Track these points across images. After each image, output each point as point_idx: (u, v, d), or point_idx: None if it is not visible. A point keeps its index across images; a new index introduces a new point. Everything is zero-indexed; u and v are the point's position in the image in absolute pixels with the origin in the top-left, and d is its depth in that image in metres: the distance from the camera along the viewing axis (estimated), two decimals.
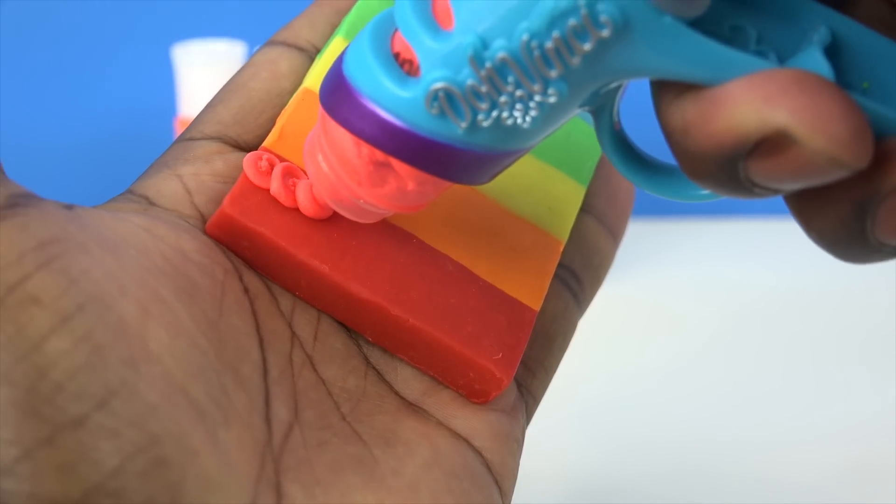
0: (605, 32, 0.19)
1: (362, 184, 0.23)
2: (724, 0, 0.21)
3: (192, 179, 0.25)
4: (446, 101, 0.21)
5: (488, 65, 0.20)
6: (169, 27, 0.65)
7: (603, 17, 0.19)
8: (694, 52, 0.20)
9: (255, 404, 0.22)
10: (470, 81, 0.21)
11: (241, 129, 0.27)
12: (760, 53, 0.21)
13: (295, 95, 0.27)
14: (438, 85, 0.21)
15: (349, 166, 0.23)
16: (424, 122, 0.21)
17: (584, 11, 0.19)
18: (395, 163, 0.22)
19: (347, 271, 0.25)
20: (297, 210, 0.25)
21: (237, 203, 0.25)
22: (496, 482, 0.25)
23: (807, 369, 0.58)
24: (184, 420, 0.20)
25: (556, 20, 0.19)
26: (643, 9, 0.19)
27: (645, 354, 0.58)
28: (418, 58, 0.21)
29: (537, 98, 0.21)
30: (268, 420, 0.22)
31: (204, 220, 0.25)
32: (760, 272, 0.60)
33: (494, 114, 0.21)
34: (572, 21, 0.19)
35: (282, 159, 0.26)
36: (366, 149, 0.22)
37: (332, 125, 0.23)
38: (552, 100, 0.21)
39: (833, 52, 0.21)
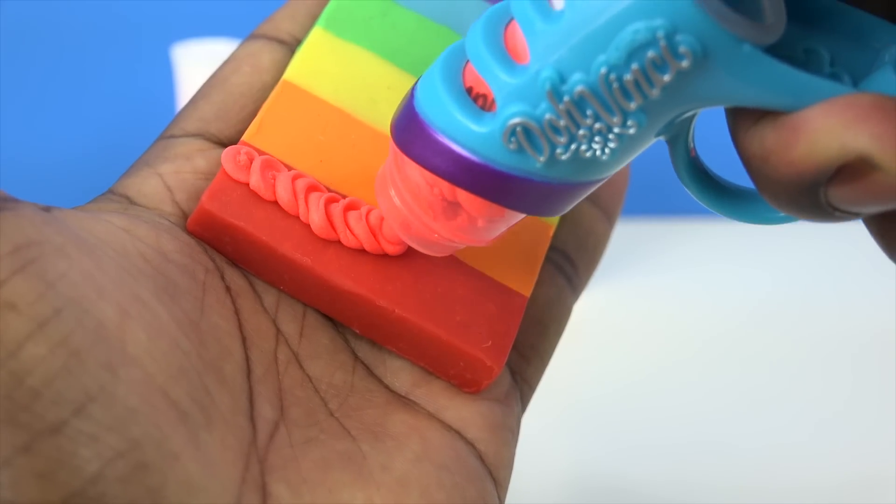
0: (685, 63, 0.19)
1: (437, 218, 0.23)
2: (796, 23, 0.21)
3: (173, 177, 0.25)
4: (524, 135, 0.21)
5: (567, 98, 0.20)
6: (169, 27, 0.64)
7: (682, 48, 0.19)
8: (772, 79, 0.19)
9: (238, 404, 0.22)
10: (548, 116, 0.21)
11: (223, 124, 0.26)
12: (835, 76, 0.21)
13: (275, 88, 0.27)
14: (516, 120, 0.21)
15: (423, 201, 0.23)
16: (501, 157, 0.21)
17: (663, 43, 0.19)
18: (465, 202, 0.22)
19: (330, 263, 0.24)
20: (277, 203, 0.25)
21: (216, 198, 0.24)
22: (490, 473, 0.24)
23: (805, 371, 0.58)
24: (164, 423, 0.20)
25: (634, 52, 0.19)
26: (722, 38, 0.19)
27: (644, 355, 0.58)
28: (493, 92, 0.21)
29: (616, 130, 0.21)
30: (252, 419, 0.22)
31: (185, 217, 0.25)
32: (760, 273, 0.59)
33: (573, 147, 0.21)
34: (651, 53, 0.19)
35: (261, 153, 0.25)
36: (437, 188, 0.22)
37: (406, 161, 0.23)
38: (631, 131, 0.21)
39: None
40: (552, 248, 0.28)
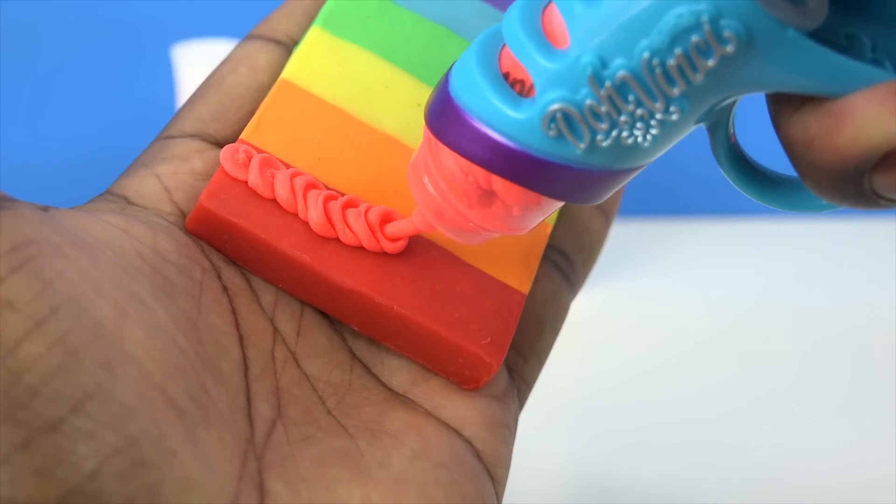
0: (730, 48, 0.19)
1: (472, 206, 0.23)
2: (837, 9, 0.21)
3: (171, 178, 0.25)
4: (564, 122, 0.20)
5: (608, 84, 0.20)
6: (169, 27, 0.64)
7: (727, 33, 0.19)
8: (816, 65, 0.19)
9: (236, 402, 0.22)
10: (589, 101, 0.20)
11: (220, 125, 0.26)
12: (876, 62, 0.21)
13: (273, 87, 0.27)
14: (556, 106, 0.20)
15: (458, 189, 0.22)
16: (540, 144, 0.21)
17: (707, 28, 0.19)
18: (500, 190, 0.22)
19: (329, 261, 0.24)
20: (275, 201, 0.25)
21: (215, 196, 0.24)
22: (488, 471, 0.24)
23: (804, 370, 0.58)
24: (162, 420, 0.20)
25: (678, 37, 0.19)
26: (767, 23, 0.19)
27: (642, 355, 0.58)
28: (532, 77, 0.21)
29: (658, 116, 0.20)
30: (250, 417, 0.22)
31: (183, 217, 0.25)
32: (758, 273, 0.59)
33: (614, 133, 0.21)
34: (695, 38, 0.19)
35: (259, 151, 0.25)
36: (472, 175, 0.22)
37: (440, 147, 0.22)
38: (674, 117, 0.20)
39: None
40: (549, 246, 0.28)
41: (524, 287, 0.26)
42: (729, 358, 0.58)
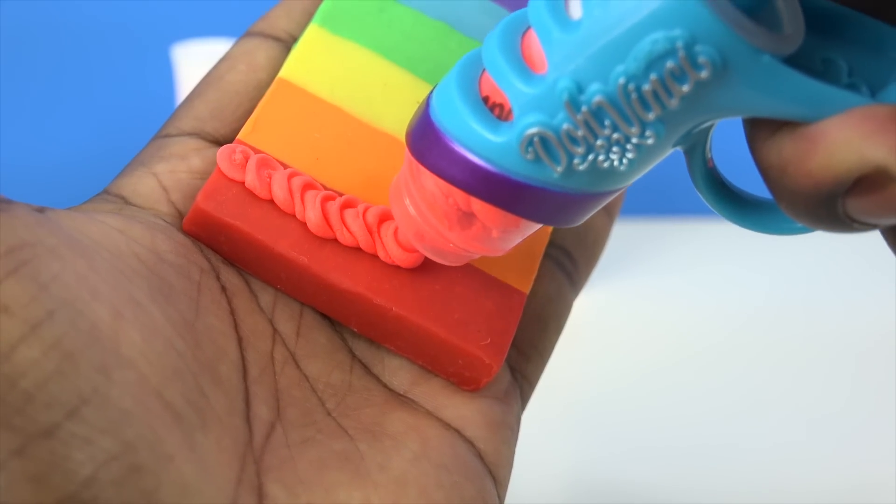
0: (704, 74, 0.19)
1: (452, 227, 0.23)
2: (814, 33, 0.21)
3: (169, 177, 0.25)
4: (541, 145, 0.21)
5: (584, 109, 0.20)
6: (169, 27, 0.64)
7: (701, 59, 0.19)
8: (791, 90, 0.19)
9: (234, 405, 0.22)
10: (565, 126, 0.20)
11: (219, 123, 0.26)
12: (853, 86, 0.21)
13: (270, 86, 0.26)
14: (533, 130, 0.21)
15: (438, 210, 0.23)
16: (518, 167, 0.21)
17: (682, 53, 0.19)
18: (480, 213, 0.22)
19: (327, 262, 0.24)
20: (273, 202, 0.25)
21: (211, 198, 0.24)
22: (490, 472, 0.24)
23: (806, 372, 0.58)
24: (158, 425, 0.20)
25: (653, 63, 0.19)
26: (741, 48, 0.19)
27: (644, 356, 0.58)
28: (510, 102, 0.21)
29: (634, 140, 0.20)
30: (248, 420, 0.22)
31: (181, 217, 0.24)
32: (760, 274, 0.59)
33: (591, 157, 0.21)
34: (670, 63, 0.19)
35: (256, 151, 0.25)
36: (452, 198, 0.22)
37: (421, 170, 0.23)
38: (649, 142, 0.20)
39: None
40: (551, 244, 0.28)
41: (525, 287, 0.26)
42: (731, 358, 0.58)
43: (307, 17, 0.28)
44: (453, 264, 0.24)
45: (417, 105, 0.27)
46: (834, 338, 0.57)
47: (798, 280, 0.59)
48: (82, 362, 0.19)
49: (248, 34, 0.28)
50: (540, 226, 0.23)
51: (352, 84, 0.27)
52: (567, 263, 0.28)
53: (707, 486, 0.56)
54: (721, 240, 0.60)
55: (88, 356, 0.19)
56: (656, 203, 0.61)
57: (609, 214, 0.30)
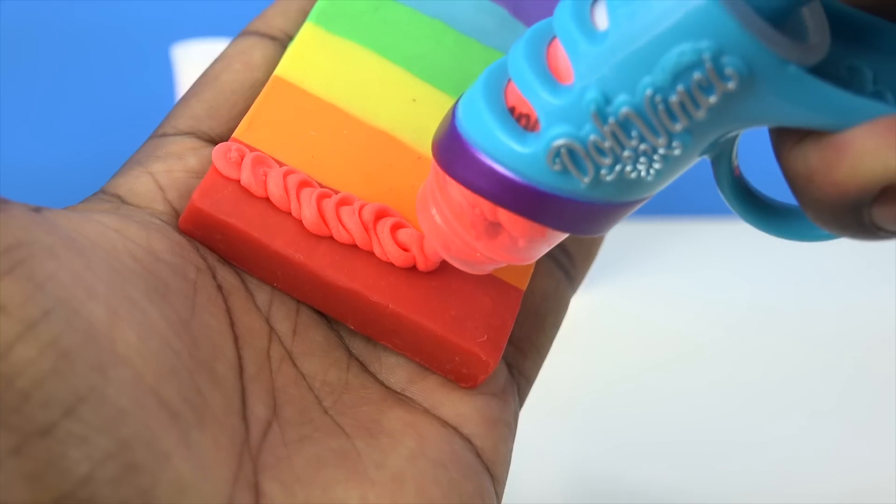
0: (731, 85, 0.19)
1: (479, 237, 0.23)
2: (838, 41, 0.21)
3: (165, 176, 0.25)
4: (568, 156, 0.21)
5: (612, 120, 0.20)
6: (169, 27, 0.64)
7: (728, 70, 0.19)
8: (817, 100, 0.19)
9: (231, 403, 0.22)
10: (593, 137, 0.20)
11: (215, 122, 0.26)
12: (878, 94, 0.21)
13: (266, 85, 0.26)
14: (560, 141, 0.21)
15: (465, 220, 0.23)
16: (545, 178, 0.21)
17: (709, 65, 0.19)
18: (506, 223, 0.22)
19: (323, 259, 0.24)
20: (268, 200, 0.25)
21: (207, 196, 0.24)
22: (487, 469, 0.24)
23: (804, 371, 0.58)
24: (155, 423, 0.20)
25: (680, 74, 0.19)
26: (768, 59, 0.19)
27: (642, 355, 0.58)
28: (537, 113, 0.21)
29: (661, 151, 0.20)
30: (245, 418, 0.22)
31: (177, 216, 0.24)
32: (758, 274, 0.59)
33: (618, 168, 0.21)
34: (697, 75, 0.19)
35: (252, 149, 0.25)
36: (479, 208, 0.22)
37: (448, 180, 0.23)
38: (676, 152, 0.20)
39: None
40: None
41: (522, 283, 0.26)
42: (729, 358, 0.58)
43: (303, 16, 0.28)
44: (479, 273, 0.24)
45: (413, 103, 0.27)
46: (834, 338, 0.57)
47: (798, 280, 0.59)
48: (78, 361, 0.19)
49: (244, 33, 0.28)
50: (567, 235, 0.23)
51: (347, 82, 0.27)
52: (564, 260, 0.28)
53: (705, 485, 0.56)
54: (720, 240, 0.60)
55: (85, 355, 0.19)
56: (656, 203, 0.61)
57: None
